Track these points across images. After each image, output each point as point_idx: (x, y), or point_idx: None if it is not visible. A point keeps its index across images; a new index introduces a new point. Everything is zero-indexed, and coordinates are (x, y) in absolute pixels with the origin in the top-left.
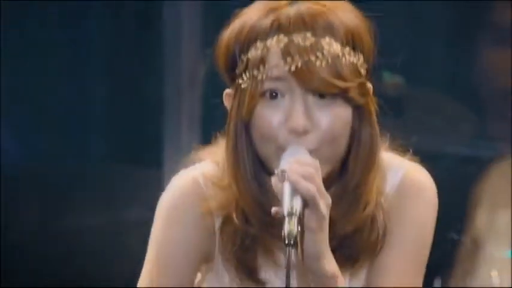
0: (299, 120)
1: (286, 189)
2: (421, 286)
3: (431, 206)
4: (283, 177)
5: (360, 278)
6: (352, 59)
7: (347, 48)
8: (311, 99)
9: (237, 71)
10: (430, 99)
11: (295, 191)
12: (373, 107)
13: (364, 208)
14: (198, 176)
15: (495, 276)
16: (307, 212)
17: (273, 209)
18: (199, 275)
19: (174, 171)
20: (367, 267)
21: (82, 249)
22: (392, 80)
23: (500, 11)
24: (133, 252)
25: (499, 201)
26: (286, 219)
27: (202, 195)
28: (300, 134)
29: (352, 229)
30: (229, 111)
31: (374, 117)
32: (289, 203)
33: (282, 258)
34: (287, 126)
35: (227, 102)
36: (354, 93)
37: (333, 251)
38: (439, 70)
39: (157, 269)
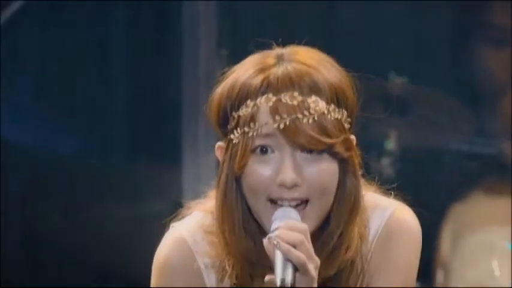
0: (288, 174)
1: (278, 257)
2: None
3: (416, 248)
4: (274, 246)
5: None
6: (336, 115)
7: (332, 106)
8: (299, 154)
9: (229, 127)
10: (434, 97)
11: (286, 258)
12: (356, 160)
13: (345, 252)
14: (186, 234)
15: (495, 266)
16: (298, 275)
17: (266, 278)
18: None
19: (192, 164)
20: None
21: (106, 239)
22: (397, 79)
23: (500, 11)
24: (153, 241)
25: (462, 226)
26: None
27: (189, 255)
28: (289, 187)
29: (333, 273)
30: (220, 164)
31: (357, 169)
32: (281, 274)
33: None
34: (277, 180)
35: (219, 154)
36: (339, 148)
37: None
38: (442, 69)
39: None
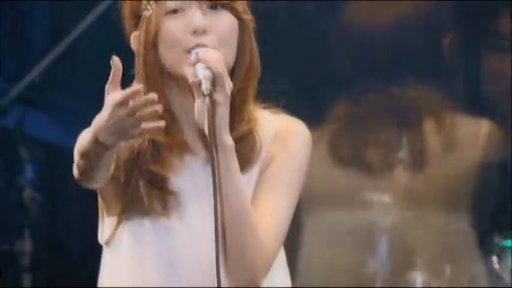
0: (200, 21)
1: (199, 68)
2: (294, 201)
3: (306, 148)
4: (196, 59)
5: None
6: None
7: None
8: (206, 10)
9: (142, 8)
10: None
11: (205, 69)
12: (252, 25)
13: (246, 122)
14: None
15: (495, 261)
16: (215, 90)
17: (191, 80)
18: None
19: None
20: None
21: None
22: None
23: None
24: None
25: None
26: (203, 81)
27: None
28: (201, 33)
29: (236, 137)
30: (138, 42)
31: (253, 35)
32: (203, 73)
33: (183, 171)
34: (190, 29)
35: (134, 42)
36: (238, 7)
37: None
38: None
39: None
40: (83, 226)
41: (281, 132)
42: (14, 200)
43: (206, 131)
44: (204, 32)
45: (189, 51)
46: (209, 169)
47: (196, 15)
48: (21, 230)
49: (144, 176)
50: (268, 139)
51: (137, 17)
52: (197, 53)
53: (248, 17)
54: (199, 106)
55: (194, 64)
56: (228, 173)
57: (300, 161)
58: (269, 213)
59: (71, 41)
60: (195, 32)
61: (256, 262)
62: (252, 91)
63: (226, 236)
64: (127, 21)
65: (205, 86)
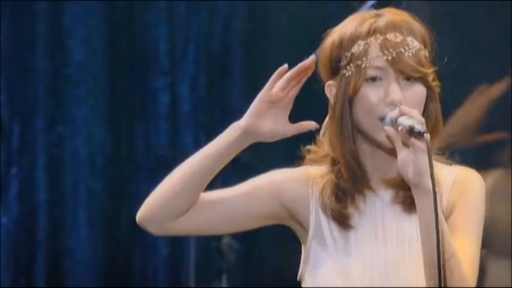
0: (397, 94)
1: (403, 118)
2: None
3: (483, 194)
4: (399, 113)
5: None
6: (426, 53)
7: (422, 46)
8: (401, 81)
9: (341, 64)
10: None
11: (409, 118)
12: (438, 89)
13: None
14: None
15: None
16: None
17: (387, 128)
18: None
19: None
20: None
21: None
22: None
23: None
24: None
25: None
26: (415, 125)
27: (306, 169)
28: (396, 104)
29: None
30: (334, 95)
31: (438, 97)
32: (410, 121)
33: (365, 209)
34: (386, 100)
35: (328, 91)
36: (429, 77)
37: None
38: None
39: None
40: (278, 270)
41: (459, 181)
42: (213, 247)
43: (410, 180)
44: (400, 103)
45: (382, 119)
46: (386, 210)
47: (395, 89)
48: (219, 274)
49: (327, 213)
50: (447, 188)
51: (334, 68)
52: (399, 107)
53: (436, 83)
54: (403, 157)
55: (396, 118)
56: (432, 216)
57: (480, 204)
58: (462, 254)
59: None
60: (390, 104)
61: None
62: (434, 150)
63: (428, 281)
64: (322, 68)
65: (420, 128)
